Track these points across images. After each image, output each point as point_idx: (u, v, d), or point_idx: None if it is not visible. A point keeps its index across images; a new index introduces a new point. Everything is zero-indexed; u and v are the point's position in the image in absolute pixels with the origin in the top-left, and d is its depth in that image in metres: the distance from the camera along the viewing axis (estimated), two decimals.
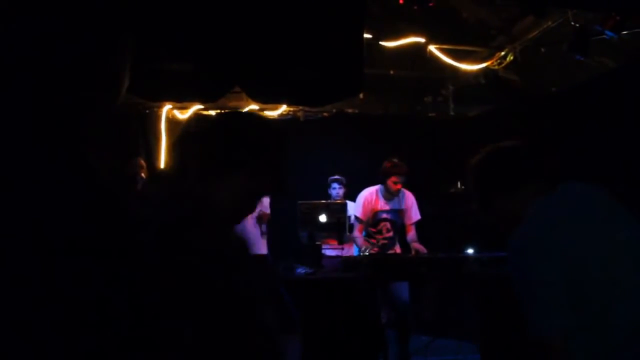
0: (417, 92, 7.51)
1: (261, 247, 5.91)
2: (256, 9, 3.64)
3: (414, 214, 5.54)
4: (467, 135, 7.36)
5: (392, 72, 6.86)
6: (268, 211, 6.01)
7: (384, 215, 5.53)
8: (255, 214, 5.84)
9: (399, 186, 5.36)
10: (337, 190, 6.25)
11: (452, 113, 7.46)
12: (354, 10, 3.76)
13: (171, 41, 3.49)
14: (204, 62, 3.49)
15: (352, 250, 5.83)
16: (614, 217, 1.96)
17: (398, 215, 5.53)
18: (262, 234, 5.92)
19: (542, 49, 6.21)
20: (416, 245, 5.30)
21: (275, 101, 4.21)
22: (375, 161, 6.34)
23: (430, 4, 4.41)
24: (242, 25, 3.62)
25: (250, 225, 5.82)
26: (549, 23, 5.64)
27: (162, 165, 7.00)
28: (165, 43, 3.51)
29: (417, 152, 7.54)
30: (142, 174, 5.54)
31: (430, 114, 7.68)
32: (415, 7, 4.45)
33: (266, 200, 6.03)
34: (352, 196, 6.31)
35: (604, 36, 5.20)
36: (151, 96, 4.26)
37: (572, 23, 5.37)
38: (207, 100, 5.11)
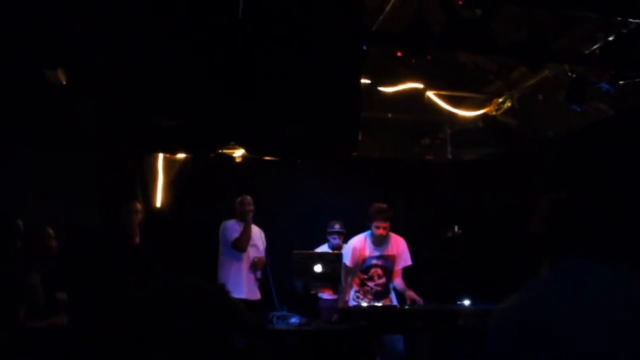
0: (414, 134, 7.53)
1: (255, 293, 5.83)
2: (250, 64, 3.65)
3: (404, 260, 5.52)
4: (464, 179, 7.36)
5: (389, 115, 6.89)
6: (263, 255, 5.95)
7: (374, 262, 5.51)
8: (248, 260, 5.79)
9: (382, 231, 5.36)
10: (337, 241, 6.17)
11: (449, 156, 7.46)
12: (351, 68, 3.77)
13: (165, 98, 3.49)
14: (198, 118, 3.49)
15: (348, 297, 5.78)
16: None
17: (388, 260, 5.51)
18: (256, 280, 5.85)
19: (540, 97, 6.24)
20: (411, 294, 5.26)
21: (272, 155, 4.22)
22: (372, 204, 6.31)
23: (428, 57, 4.42)
24: (237, 81, 3.63)
25: (245, 271, 5.76)
26: (546, 72, 5.68)
27: (158, 203, 6.97)
28: (159, 100, 3.52)
29: (415, 196, 7.52)
30: (138, 217, 5.50)
31: (427, 157, 7.68)
32: (413, 61, 4.47)
33: (261, 245, 5.98)
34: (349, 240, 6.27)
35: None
36: (145, 149, 4.24)
37: (569, 74, 5.39)
38: (202, 154, 5.11)
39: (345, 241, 6.19)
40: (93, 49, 4.04)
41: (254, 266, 5.80)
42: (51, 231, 4.61)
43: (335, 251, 5.75)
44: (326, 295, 5.61)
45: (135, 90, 3.59)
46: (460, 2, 4.28)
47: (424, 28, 4.25)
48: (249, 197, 5.86)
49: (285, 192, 7.01)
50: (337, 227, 6.22)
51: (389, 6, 4.63)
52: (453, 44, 4.23)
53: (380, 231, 5.34)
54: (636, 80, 5.29)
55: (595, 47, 5.15)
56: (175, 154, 5.90)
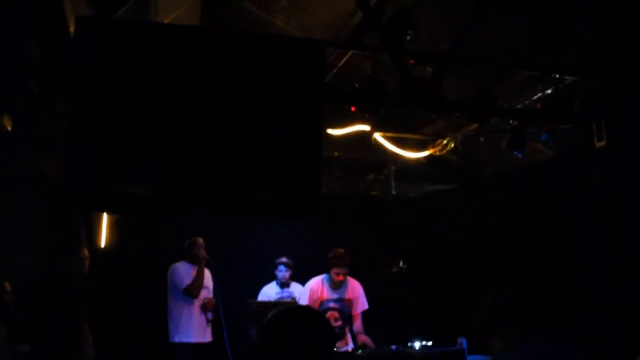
0: (360, 170, 7.65)
1: (206, 335, 5.80)
2: (211, 127, 3.70)
3: (361, 304, 5.63)
4: (409, 215, 7.56)
5: (336, 154, 6.98)
6: (211, 295, 5.92)
7: (331, 305, 5.58)
8: (199, 301, 5.75)
9: (341, 277, 5.47)
10: (283, 273, 6.28)
11: (393, 192, 7.62)
12: (312, 127, 3.86)
13: (126, 166, 3.49)
14: (160, 186, 3.50)
15: None
16: None
17: (344, 303, 5.60)
18: (207, 321, 5.81)
19: (481, 139, 6.48)
20: (363, 338, 5.37)
21: (236, 216, 4.24)
22: (320, 240, 6.41)
23: (382, 112, 4.56)
24: (198, 144, 3.66)
25: (196, 314, 5.71)
26: None
27: (102, 243, 6.83)
28: (121, 165, 3.51)
29: (360, 232, 7.64)
30: (86, 265, 5.40)
31: (372, 193, 7.83)
32: (367, 116, 4.59)
33: (210, 285, 5.95)
34: (297, 277, 6.34)
35: None
36: (109, 211, 4.18)
37: (511, 121, 5.64)
38: (164, 217, 5.08)
39: (293, 277, 6.29)
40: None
41: (204, 307, 5.77)
42: (8, 286, 4.57)
43: (290, 298, 5.81)
44: None
45: (96, 153, 3.56)
46: (412, 62, 4.44)
47: (377, 86, 4.38)
48: (201, 240, 5.82)
49: (231, 230, 7.00)
50: (283, 259, 6.32)
51: (342, 62, 4.74)
52: (406, 101, 4.36)
53: (340, 277, 5.44)
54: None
55: (535, 97, 5.43)
56: (138, 216, 5.82)
